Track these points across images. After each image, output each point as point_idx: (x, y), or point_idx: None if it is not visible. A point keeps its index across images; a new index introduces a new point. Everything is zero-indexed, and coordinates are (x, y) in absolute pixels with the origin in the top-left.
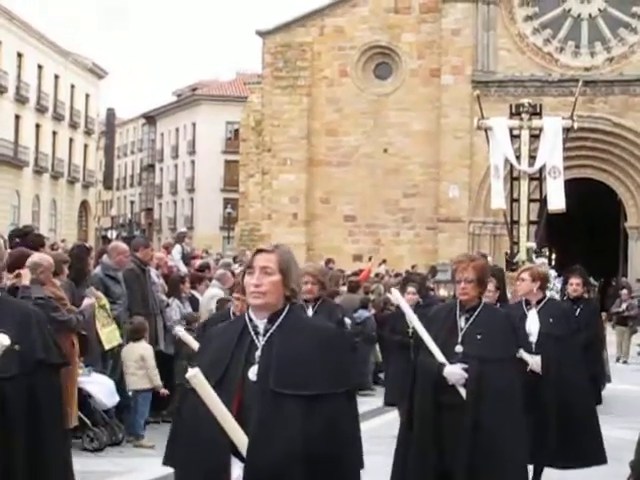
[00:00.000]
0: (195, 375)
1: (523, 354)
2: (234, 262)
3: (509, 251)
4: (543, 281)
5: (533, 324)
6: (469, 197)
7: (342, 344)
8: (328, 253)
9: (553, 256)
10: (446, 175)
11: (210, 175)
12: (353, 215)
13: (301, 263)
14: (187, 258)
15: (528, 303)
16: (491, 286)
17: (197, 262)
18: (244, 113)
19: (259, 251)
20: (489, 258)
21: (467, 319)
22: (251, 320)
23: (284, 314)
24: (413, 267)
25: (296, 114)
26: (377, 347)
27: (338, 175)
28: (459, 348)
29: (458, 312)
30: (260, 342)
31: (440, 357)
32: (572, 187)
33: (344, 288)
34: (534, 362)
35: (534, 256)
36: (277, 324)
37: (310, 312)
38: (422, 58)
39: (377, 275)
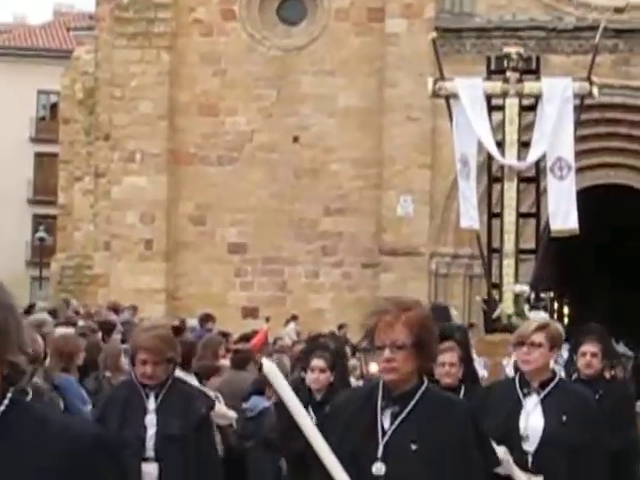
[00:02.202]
0: None
1: (512, 468)
2: (51, 318)
3: (486, 299)
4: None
5: (534, 421)
6: (430, 215)
7: (103, 468)
8: (203, 305)
9: (565, 310)
10: (394, 179)
11: (10, 178)
12: (243, 243)
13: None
14: None
15: (525, 384)
16: (452, 357)
17: None
18: (66, 77)
19: None
20: (453, 312)
21: (395, 415)
22: None
23: None
24: (340, 328)
25: (151, 80)
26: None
27: (219, 179)
28: (379, 467)
29: (380, 403)
30: None
31: None
32: (593, 197)
33: (226, 362)
34: None
35: (526, 308)
36: None
37: (152, 404)
38: None
39: (275, 342)
